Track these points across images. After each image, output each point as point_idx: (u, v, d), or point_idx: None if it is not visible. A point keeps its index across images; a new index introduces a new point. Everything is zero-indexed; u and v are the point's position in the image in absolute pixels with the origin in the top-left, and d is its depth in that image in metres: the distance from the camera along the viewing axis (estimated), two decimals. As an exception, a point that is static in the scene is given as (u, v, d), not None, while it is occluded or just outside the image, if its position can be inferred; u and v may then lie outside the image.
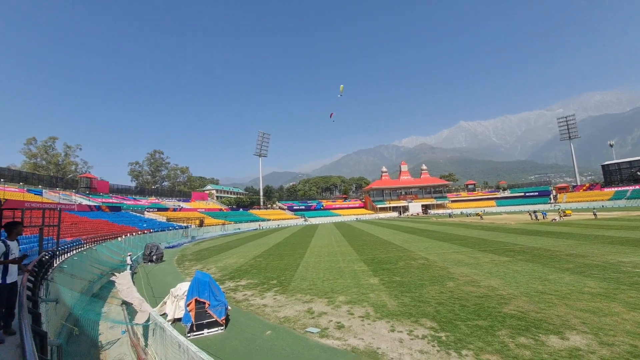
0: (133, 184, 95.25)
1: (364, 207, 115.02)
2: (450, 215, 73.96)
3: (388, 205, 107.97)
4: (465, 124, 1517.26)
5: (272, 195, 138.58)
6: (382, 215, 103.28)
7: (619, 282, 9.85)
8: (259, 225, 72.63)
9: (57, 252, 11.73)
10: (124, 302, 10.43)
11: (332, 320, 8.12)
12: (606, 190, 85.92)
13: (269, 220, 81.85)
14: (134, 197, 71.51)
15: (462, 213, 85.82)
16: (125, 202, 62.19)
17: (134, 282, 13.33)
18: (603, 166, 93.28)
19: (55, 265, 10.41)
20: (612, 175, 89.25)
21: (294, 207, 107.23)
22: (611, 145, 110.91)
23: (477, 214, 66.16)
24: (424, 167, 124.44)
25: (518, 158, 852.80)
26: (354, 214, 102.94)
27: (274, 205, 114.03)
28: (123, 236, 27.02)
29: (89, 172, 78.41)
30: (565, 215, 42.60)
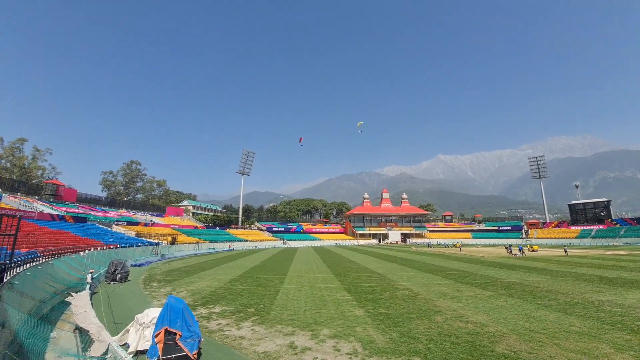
0: (104, 194, 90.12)
1: (344, 232, 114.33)
2: (429, 245, 74.68)
3: (368, 232, 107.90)
4: (444, 157, 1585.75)
5: (251, 215, 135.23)
6: (362, 241, 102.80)
7: (601, 322, 9.87)
8: (229, 246, 68.22)
9: (10, 265, 10.36)
10: (78, 328, 9.17)
11: (317, 358, 7.42)
12: (573, 228, 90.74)
13: (246, 240, 79.04)
14: (103, 208, 67.27)
15: (439, 243, 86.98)
16: (92, 213, 58.23)
17: (92, 304, 11.97)
18: (570, 205, 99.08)
19: (5, 280, 9.11)
20: (578, 215, 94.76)
21: (274, 229, 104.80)
22: (577, 186, 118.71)
23: (455, 245, 67.21)
24: (405, 195, 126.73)
25: (491, 193, 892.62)
26: (334, 239, 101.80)
27: (253, 226, 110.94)
28: (86, 250, 24.80)
29: (57, 178, 73.69)
30: (532, 251, 45.08)
